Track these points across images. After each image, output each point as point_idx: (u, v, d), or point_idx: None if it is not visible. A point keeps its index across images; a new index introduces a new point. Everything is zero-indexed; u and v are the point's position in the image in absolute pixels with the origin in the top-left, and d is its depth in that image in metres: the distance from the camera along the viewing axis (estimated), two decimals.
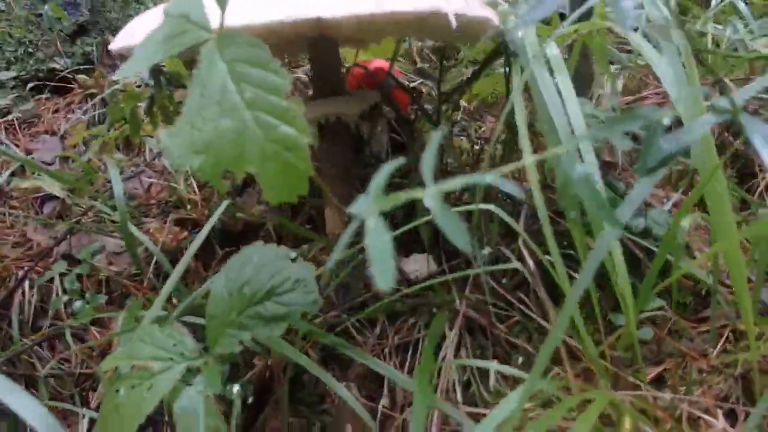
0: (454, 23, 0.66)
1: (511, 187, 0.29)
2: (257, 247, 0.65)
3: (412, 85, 1.43)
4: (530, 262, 0.69)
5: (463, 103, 1.38)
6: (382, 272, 0.29)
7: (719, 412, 0.68)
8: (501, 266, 0.76)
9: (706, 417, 0.67)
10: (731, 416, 0.71)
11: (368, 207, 0.31)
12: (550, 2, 0.35)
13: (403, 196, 0.32)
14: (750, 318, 0.66)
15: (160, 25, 0.53)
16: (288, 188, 0.43)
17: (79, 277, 1.10)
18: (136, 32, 0.79)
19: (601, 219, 0.49)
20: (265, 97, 0.44)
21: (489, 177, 0.29)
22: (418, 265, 0.99)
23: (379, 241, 0.30)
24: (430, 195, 0.31)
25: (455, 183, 0.32)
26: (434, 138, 0.35)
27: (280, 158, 0.42)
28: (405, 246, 1.04)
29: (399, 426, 0.87)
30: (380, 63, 1.20)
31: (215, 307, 0.65)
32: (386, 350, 0.96)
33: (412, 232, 0.92)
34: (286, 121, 0.43)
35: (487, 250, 0.89)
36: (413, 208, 0.91)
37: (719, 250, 0.63)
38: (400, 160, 0.33)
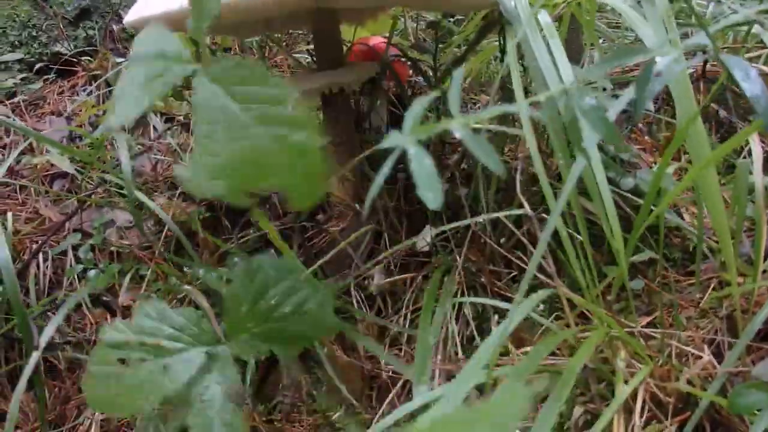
0: None
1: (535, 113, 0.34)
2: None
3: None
4: (527, 207, 0.73)
5: None
6: (430, 194, 0.33)
7: (706, 347, 0.73)
8: (505, 212, 0.80)
9: (694, 352, 0.72)
10: (718, 354, 0.76)
11: (406, 137, 0.35)
12: None
13: (436, 127, 0.36)
14: (732, 261, 0.70)
15: (135, 72, 0.52)
16: (309, 192, 0.44)
17: (92, 248, 1.14)
18: (150, 3, 0.82)
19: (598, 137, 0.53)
20: (271, 109, 0.45)
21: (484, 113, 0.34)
22: (429, 238, 1.04)
23: (422, 165, 0.33)
24: (458, 124, 0.36)
25: (483, 114, 0.37)
26: (455, 76, 0.39)
27: (298, 166, 0.44)
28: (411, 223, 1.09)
29: (405, 382, 0.92)
30: (379, 40, 1.24)
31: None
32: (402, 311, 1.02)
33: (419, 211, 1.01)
34: (298, 128, 0.44)
35: (484, 217, 0.94)
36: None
37: (703, 199, 0.68)
38: (433, 95, 0.38)
